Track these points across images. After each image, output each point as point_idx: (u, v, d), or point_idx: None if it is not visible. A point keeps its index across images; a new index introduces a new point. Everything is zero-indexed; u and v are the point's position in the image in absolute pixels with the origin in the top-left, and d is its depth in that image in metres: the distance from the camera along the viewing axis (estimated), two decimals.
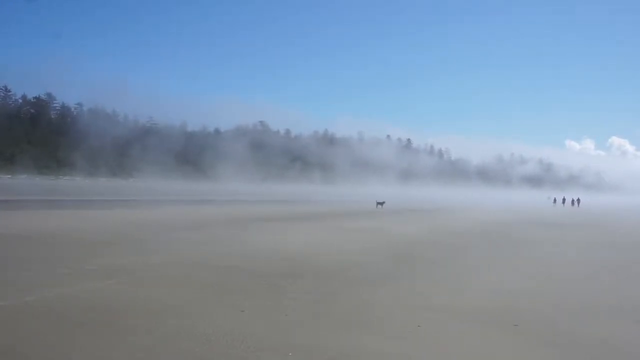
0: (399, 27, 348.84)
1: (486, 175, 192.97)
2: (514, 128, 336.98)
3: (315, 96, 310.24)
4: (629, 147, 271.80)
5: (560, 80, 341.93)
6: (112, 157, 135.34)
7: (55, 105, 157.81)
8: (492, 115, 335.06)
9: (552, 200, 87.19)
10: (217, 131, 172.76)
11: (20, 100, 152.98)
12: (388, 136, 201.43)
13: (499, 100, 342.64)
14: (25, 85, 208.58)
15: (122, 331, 7.70)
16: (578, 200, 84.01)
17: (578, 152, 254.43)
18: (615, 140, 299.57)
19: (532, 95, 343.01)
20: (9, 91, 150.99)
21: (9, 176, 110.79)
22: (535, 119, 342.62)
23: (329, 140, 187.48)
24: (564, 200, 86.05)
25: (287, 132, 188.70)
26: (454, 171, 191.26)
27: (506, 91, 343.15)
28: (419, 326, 8.53)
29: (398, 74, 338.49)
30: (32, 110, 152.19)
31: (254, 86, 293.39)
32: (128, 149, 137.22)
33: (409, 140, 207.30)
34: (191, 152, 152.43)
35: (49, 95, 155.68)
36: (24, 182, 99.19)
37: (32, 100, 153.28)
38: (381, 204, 48.52)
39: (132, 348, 6.99)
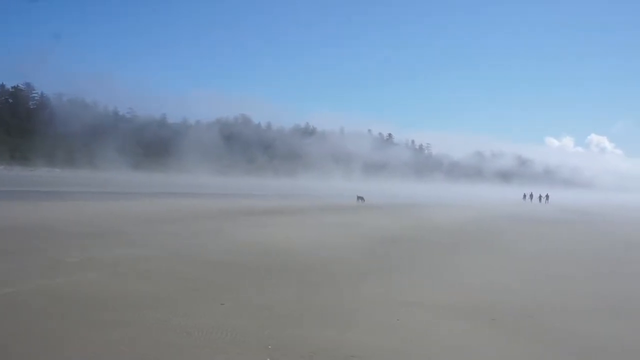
0: (383, 23, 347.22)
1: (465, 170, 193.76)
2: (495, 124, 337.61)
3: (300, 90, 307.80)
4: (608, 145, 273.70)
5: (539, 78, 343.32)
6: (90, 148, 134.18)
7: (34, 95, 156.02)
8: (475, 112, 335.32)
9: (522, 196, 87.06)
10: (198, 123, 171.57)
11: None
12: (369, 130, 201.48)
13: (481, 97, 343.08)
14: (4, 75, 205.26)
15: (103, 324, 7.70)
16: (547, 196, 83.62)
17: (557, 149, 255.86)
18: (594, 137, 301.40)
19: (512, 92, 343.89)
20: None
21: None
22: (516, 116, 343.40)
23: (309, 133, 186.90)
24: (531, 195, 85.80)
25: (269, 125, 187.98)
26: (433, 166, 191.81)
27: (489, 88, 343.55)
28: (397, 320, 8.63)
29: (383, 70, 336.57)
30: (10, 100, 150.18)
31: (237, 80, 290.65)
32: (105, 140, 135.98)
33: (390, 135, 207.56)
34: (168, 144, 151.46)
35: (27, 85, 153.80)
36: (1, 173, 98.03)
37: (11, 90, 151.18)
38: (361, 198, 48.54)
39: (112, 340, 6.99)
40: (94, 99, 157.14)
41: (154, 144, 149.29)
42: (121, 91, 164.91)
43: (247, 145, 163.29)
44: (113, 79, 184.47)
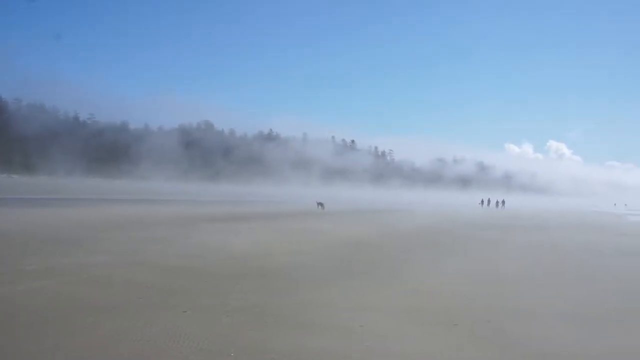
0: (347, 27, 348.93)
1: (426, 176, 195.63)
2: (458, 131, 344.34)
3: (265, 97, 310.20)
4: (566, 151, 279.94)
5: (500, 85, 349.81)
6: (48, 154, 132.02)
7: None
8: (439, 118, 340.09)
9: (480, 202, 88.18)
10: (160, 129, 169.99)
11: None
12: (333, 137, 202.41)
13: (446, 103, 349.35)
14: None
15: (62, 332, 7.59)
16: (503, 201, 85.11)
17: (517, 155, 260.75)
18: (553, 144, 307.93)
19: (476, 98, 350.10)
20: None
21: None
22: (479, 123, 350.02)
23: (272, 139, 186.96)
24: (489, 201, 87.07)
25: (232, 131, 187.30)
26: (393, 172, 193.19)
27: (453, 95, 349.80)
28: (361, 326, 8.65)
29: (350, 76, 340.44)
30: None
31: (202, 86, 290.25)
32: (63, 146, 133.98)
33: (353, 141, 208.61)
34: (128, 150, 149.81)
35: None
36: None
37: None
38: (321, 204, 48.74)
39: (70, 350, 6.89)
40: (54, 105, 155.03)
41: (113, 150, 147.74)
42: (83, 97, 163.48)
43: (208, 152, 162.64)
44: (75, 85, 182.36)
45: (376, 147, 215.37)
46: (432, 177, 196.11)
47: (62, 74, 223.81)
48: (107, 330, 7.78)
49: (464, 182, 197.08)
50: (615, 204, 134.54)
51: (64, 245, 16.63)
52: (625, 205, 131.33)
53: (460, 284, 13.24)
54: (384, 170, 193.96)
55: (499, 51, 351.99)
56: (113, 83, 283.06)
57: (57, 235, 18.99)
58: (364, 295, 11.27)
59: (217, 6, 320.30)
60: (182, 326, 8.13)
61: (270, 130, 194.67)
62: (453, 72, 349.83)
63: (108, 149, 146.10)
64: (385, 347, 7.72)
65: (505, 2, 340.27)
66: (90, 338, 7.41)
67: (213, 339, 7.58)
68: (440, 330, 8.74)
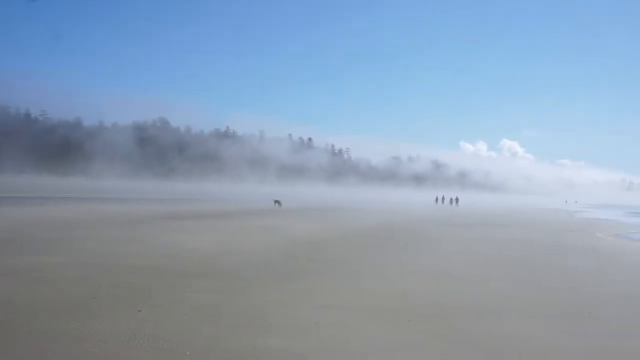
0: (302, 26, 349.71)
1: (382, 174, 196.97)
2: (413, 129, 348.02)
3: (223, 95, 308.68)
4: (519, 149, 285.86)
5: (454, 83, 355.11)
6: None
7: None
8: (394, 117, 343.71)
9: (435, 199, 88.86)
10: (114, 126, 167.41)
11: None
12: (290, 135, 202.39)
13: (399, 102, 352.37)
14: None
15: (12, 333, 7.47)
16: (457, 199, 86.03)
17: (471, 153, 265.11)
18: (506, 142, 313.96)
19: (429, 96, 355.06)
20: None
21: None
22: (432, 121, 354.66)
23: (228, 137, 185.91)
24: (443, 199, 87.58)
25: (188, 128, 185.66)
26: (349, 170, 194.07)
27: (407, 93, 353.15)
28: (317, 323, 8.72)
29: (304, 74, 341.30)
30: None
31: (158, 83, 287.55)
32: (13, 142, 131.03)
33: (309, 139, 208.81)
34: (80, 147, 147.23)
35: None
36: None
37: None
38: (278, 202, 48.92)
39: (22, 351, 6.81)
40: (4, 101, 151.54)
41: (66, 147, 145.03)
42: (35, 93, 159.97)
43: (163, 149, 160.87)
44: (27, 81, 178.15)
45: (333, 145, 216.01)
46: (388, 175, 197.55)
47: (12, 70, 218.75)
48: (60, 331, 7.68)
49: (419, 180, 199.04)
50: (566, 201, 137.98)
51: (15, 245, 16.34)
52: (576, 202, 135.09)
53: (414, 281, 13.39)
54: (341, 168, 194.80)
55: (453, 49, 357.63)
56: (67, 79, 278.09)
57: (7, 234, 18.63)
58: (319, 293, 11.32)
59: (173, 4, 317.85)
60: (137, 326, 8.08)
61: (227, 127, 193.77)
62: (408, 70, 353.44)
63: (61, 146, 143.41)
64: (340, 344, 7.80)
65: None
66: (43, 338, 7.31)
67: (169, 338, 7.55)
68: (397, 327, 8.85)
